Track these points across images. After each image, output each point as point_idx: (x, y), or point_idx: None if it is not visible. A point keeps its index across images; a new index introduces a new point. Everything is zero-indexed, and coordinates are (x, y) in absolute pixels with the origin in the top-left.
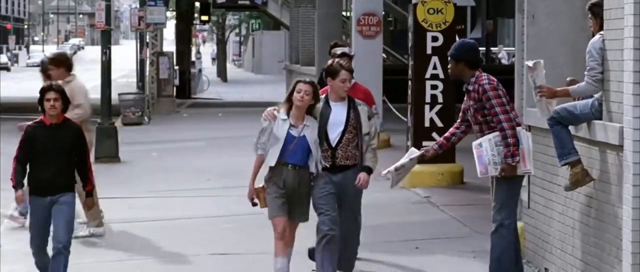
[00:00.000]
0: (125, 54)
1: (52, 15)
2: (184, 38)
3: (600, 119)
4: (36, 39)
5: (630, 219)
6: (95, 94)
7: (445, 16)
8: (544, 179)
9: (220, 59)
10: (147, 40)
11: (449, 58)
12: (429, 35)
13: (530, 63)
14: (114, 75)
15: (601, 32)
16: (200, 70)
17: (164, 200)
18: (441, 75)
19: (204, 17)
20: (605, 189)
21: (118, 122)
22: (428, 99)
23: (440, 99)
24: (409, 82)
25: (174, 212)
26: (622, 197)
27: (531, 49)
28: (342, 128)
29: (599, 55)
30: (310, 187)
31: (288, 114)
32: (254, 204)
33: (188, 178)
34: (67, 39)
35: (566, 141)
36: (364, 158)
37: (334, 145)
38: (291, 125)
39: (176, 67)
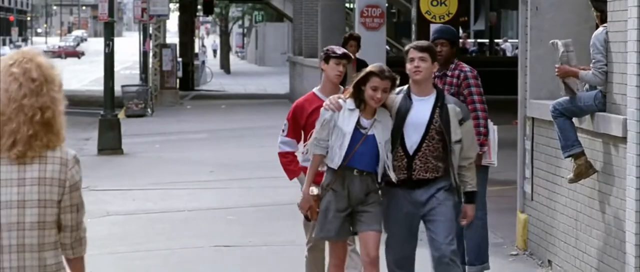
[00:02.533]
0: (128, 46)
1: (55, 7)
2: (187, 30)
3: (604, 111)
4: (39, 31)
5: (634, 210)
6: (98, 86)
7: (449, 8)
8: (548, 171)
9: (223, 50)
10: (150, 32)
11: (442, 41)
12: (432, 27)
13: (559, 42)
14: (117, 67)
15: (605, 25)
16: (203, 62)
17: (167, 192)
18: None
19: (208, 15)
20: (608, 181)
21: (121, 114)
22: None
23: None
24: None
25: (176, 204)
26: (625, 189)
27: (534, 41)
28: (422, 132)
29: (603, 48)
30: (378, 195)
31: (359, 105)
32: (309, 219)
33: (191, 170)
34: (70, 30)
35: (570, 133)
36: (459, 178)
37: (411, 153)
38: (359, 120)
39: (179, 59)
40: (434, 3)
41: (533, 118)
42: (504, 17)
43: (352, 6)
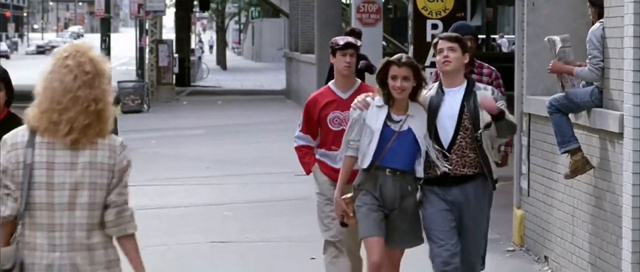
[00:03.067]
0: (124, 42)
1: (51, 3)
2: (183, 26)
3: (601, 106)
4: (36, 26)
5: (631, 206)
6: None
7: (445, 4)
8: (544, 167)
9: (219, 46)
10: (147, 28)
11: (469, 36)
12: (429, 23)
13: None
14: (113, 63)
15: (601, 20)
16: (199, 58)
17: (163, 188)
18: None
19: (204, 11)
20: (605, 177)
21: (117, 110)
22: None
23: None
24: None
25: (173, 200)
26: (622, 185)
27: (531, 37)
28: (454, 123)
29: (599, 44)
30: (417, 200)
31: (388, 102)
32: (344, 225)
33: (187, 166)
34: (66, 26)
35: (566, 129)
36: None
37: (446, 147)
38: (389, 116)
39: (175, 55)
40: None
41: (529, 114)
42: (501, 13)
43: (348, 2)
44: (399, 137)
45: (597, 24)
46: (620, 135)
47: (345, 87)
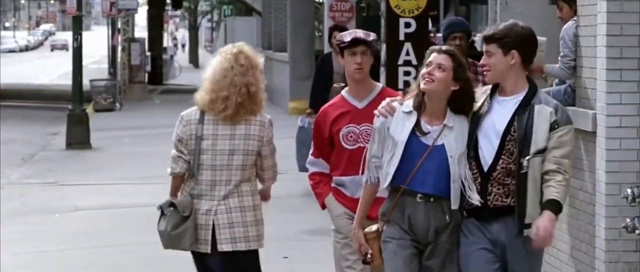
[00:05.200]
0: (96, 40)
1: (23, 1)
2: (156, 24)
3: (573, 105)
4: (7, 25)
5: (604, 205)
6: (67, 80)
7: (418, 2)
8: None
9: (192, 45)
10: (119, 26)
11: (460, 34)
12: (402, 21)
13: None
14: (85, 62)
15: (574, 18)
16: (172, 57)
17: (136, 186)
18: (414, 62)
19: (177, 9)
20: (578, 175)
21: (89, 109)
22: (401, 85)
23: (413, 85)
24: (382, 68)
25: (145, 199)
26: (595, 184)
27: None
28: (497, 143)
29: (571, 43)
30: (457, 233)
31: (419, 106)
32: (366, 262)
33: (160, 164)
34: (38, 24)
35: None
36: (543, 184)
37: (485, 170)
38: (419, 125)
39: (148, 53)
40: None
41: None
42: (474, 11)
43: (321, 0)
44: (433, 153)
45: (570, 22)
46: (593, 134)
47: (360, 94)
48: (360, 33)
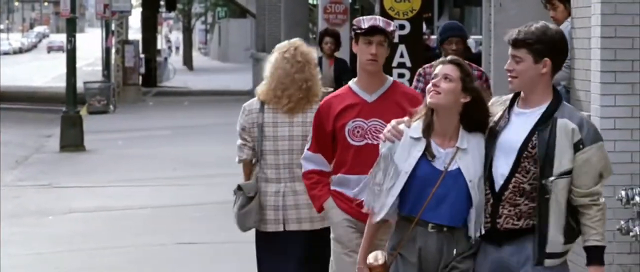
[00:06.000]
0: (90, 42)
1: (17, 3)
2: (149, 26)
3: None
4: (1, 27)
5: None
6: (61, 83)
7: (412, 4)
8: None
9: (186, 47)
10: (113, 28)
11: (456, 38)
12: (396, 23)
13: None
14: (79, 64)
15: (569, 19)
16: (165, 59)
17: (130, 189)
18: (408, 64)
19: (171, 11)
20: None
21: (83, 111)
22: None
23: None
24: None
25: (139, 201)
26: None
27: (499, 37)
28: (512, 159)
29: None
30: (471, 260)
31: (428, 127)
32: None
33: (154, 167)
34: (32, 26)
35: None
36: (581, 224)
37: (497, 190)
38: (429, 148)
39: (142, 56)
40: None
41: None
42: (468, 13)
43: (315, 2)
44: (447, 179)
45: (565, 23)
46: None
47: (370, 87)
48: (380, 21)
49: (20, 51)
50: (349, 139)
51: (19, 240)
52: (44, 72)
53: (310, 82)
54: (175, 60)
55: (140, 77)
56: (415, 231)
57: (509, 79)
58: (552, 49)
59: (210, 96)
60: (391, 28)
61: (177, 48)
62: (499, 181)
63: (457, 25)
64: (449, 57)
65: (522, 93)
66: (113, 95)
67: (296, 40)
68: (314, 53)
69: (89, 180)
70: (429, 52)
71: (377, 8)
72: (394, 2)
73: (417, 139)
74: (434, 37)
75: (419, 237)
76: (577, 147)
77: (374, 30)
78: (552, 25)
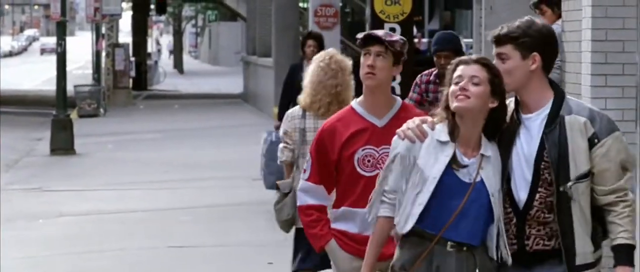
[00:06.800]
0: (81, 46)
1: (7, 7)
2: (140, 29)
3: None
4: None
5: None
6: (51, 86)
7: (403, 7)
8: None
9: (176, 50)
10: (103, 32)
11: (446, 53)
12: (387, 26)
13: None
14: (69, 67)
15: (558, 22)
16: (156, 62)
17: (120, 192)
18: None
19: (161, 14)
20: None
21: (73, 114)
22: None
23: (397, 91)
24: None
25: (130, 205)
26: None
27: (489, 40)
28: (531, 173)
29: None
30: None
31: (452, 133)
32: None
33: (144, 170)
34: (22, 30)
35: None
36: (606, 222)
37: (521, 206)
38: (455, 157)
39: (132, 59)
40: (388, 2)
41: None
42: (459, 16)
43: (306, 6)
44: (473, 192)
45: (555, 26)
46: None
47: (378, 109)
48: (379, 31)
49: (10, 54)
50: (358, 169)
51: (9, 244)
52: (34, 75)
53: (340, 88)
54: (166, 63)
55: (131, 81)
56: (433, 251)
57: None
58: (540, 42)
59: (200, 99)
60: (394, 39)
61: (171, 52)
62: (520, 198)
63: (447, 38)
64: (474, 56)
65: (518, 96)
66: (103, 98)
67: (331, 50)
68: (348, 62)
69: (79, 183)
70: (419, 56)
71: (367, 11)
72: (385, 5)
73: (445, 143)
74: (424, 40)
75: (436, 256)
76: (591, 142)
77: (369, 39)
78: (538, 20)
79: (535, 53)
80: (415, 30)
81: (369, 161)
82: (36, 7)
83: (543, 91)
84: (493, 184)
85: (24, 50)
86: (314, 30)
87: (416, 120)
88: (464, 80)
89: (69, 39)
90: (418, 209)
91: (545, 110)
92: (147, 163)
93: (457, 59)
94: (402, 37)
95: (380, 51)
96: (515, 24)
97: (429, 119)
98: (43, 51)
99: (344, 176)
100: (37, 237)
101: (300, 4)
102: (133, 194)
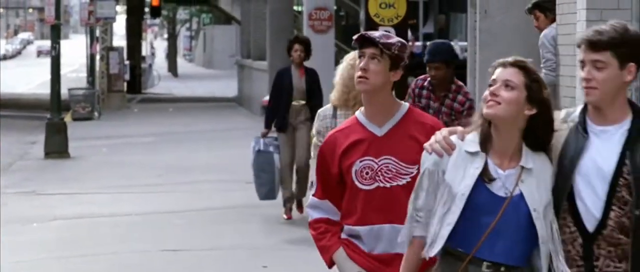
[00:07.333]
0: (75, 49)
1: (1, 10)
2: (134, 33)
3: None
4: None
5: None
6: (45, 89)
7: (398, 11)
8: None
9: (171, 53)
10: (97, 35)
11: (436, 64)
12: (381, 30)
13: None
14: (63, 70)
15: (553, 25)
16: (150, 65)
17: (114, 196)
18: None
19: (155, 18)
20: None
21: (68, 117)
22: None
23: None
24: None
25: (123, 208)
26: None
27: (484, 44)
28: (605, 190)
29: (551, 46)
30: None
31: (484, 143)
32: None
33: (138, 174)
34: (16, 33)
35: None
36: None
37: (591, 229)
38: (486, 169)
39: (127, 62)
40: (383, 6)
41: None
42: (453, 20)
43: (300, 9)
44: (509, 207)
45: (549, 28)
46: None
47: (379, 117)
48: (375, 32)
49: (4, 58)
50: (357, 183)
51: (3, 247)
52: (28, 78)
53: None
54: (160, 67)
55: (125, 84)
56: (465, 270)
57: (586, 90)
58: (637, 51)
59: (195, 103)
60: (390, 40)
61: (167, 55)
62: (593, 217)
63: (437, 49)
64: (511, 58)
65: (592, 110)
66: (98, 102)
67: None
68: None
69: (73, 187)
70: (413, 59)
71: (362, 14)
72: (379, 9)
73: (474, 153)
74: (418, 43)
75: None
76: None
77: (363, 40)
78: (629, 25)
79: (632, 63)
80: (409, 33)
81: (367, 173)
82: (31, 10)
83: (625, 104)
84: (536, 200)
85: (18, 53)
86: (300, 34)
87: (444, 131)
88: (496, 85)
89: (63, 43)
90: (446, 230)
91: (625, 125)
92: (141, 166)
93: (497, 60)
94: (400, 39)
95: (375, 54)
96: (611, 28)
97: (459, 129)
98: (39, 53)
99: (347, 190)
100: (32, 240)
101: (295, 8)
102: (127, 198)
